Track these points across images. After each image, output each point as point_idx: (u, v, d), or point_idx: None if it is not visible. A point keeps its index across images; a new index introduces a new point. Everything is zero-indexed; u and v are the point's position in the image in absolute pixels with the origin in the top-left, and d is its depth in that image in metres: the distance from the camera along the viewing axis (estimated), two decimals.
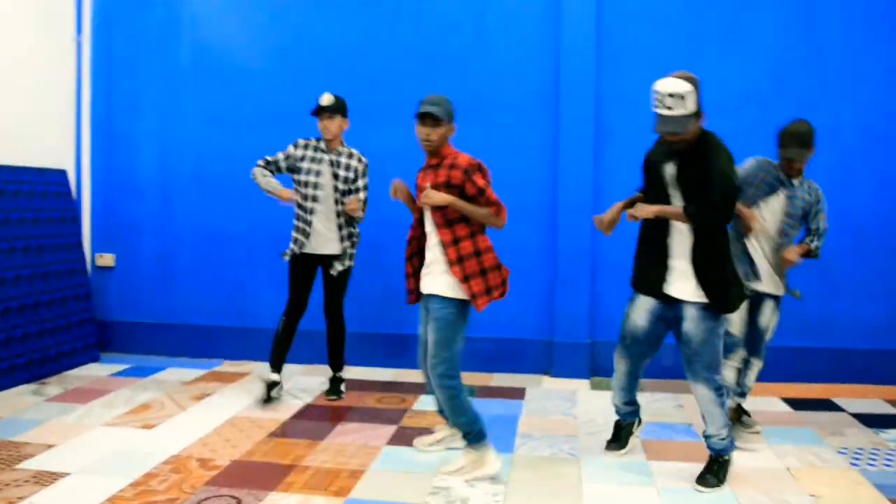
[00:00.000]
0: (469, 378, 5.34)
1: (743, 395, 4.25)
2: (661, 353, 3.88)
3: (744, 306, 3.97)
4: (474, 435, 3.52)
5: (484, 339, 5.49)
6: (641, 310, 3.57)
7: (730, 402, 4.13)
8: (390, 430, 4.24)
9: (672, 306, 3.46)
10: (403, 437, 4.08)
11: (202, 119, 5.87)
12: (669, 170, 3.42)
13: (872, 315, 5.29)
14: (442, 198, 3.40)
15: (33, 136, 5.57)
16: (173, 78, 5.90)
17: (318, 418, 4.44)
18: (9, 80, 5.30)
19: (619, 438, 3.91)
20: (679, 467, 3.71)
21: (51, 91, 5.75)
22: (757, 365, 4.21)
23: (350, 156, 4.68)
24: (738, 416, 4.24)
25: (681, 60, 5.35)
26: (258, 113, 5.78)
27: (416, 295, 3.70)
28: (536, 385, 5.25)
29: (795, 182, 4.04)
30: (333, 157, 4.64)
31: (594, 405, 4.75)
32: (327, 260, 4.69)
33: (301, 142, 4.69)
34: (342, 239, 4.65)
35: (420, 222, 3.64)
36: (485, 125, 5.45)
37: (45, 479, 3.42)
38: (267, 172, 4.67)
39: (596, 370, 5.43)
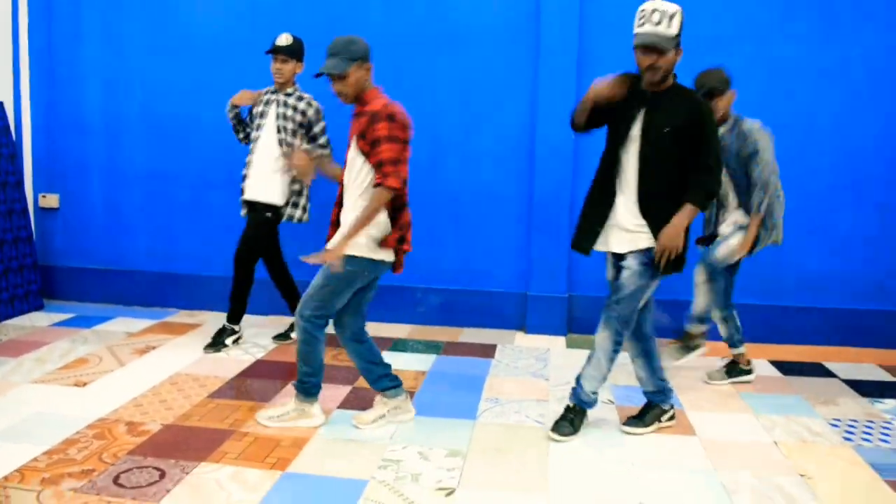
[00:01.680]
0: (437, 333, 5.04)
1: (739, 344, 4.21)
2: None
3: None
4: (309, 388, 3.36)
5: (453, 291, 5.14)
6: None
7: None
8: (344, 391, 3.88)
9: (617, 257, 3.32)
10: (356, 401, 3.73)
11: (150, 49, 5.36)
12: (637, 116, 3.13)
13: (871, 273, 4.93)
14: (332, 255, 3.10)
15: None
16: (120, 5, 5.36)
17: (266, 375, 4.08)
18: None
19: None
20: (655, 440, 3.39)
21: None
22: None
23: (299, 99, 4.30)
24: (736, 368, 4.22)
25: None
26: (210, 44, 5.27)
27: None
28: (509, 342, 4.90)
29: (723, 128, 3.79)
30: (281, 98, 4.30)
31: (568, 365, 4.38)
32: (258, 207, 4.36)
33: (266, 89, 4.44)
34: (286, 189, 4.35)
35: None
36: (458, 58, 5.01)
37: None
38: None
39: (573, 326, 5.08)
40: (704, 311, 4.09)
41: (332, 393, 3.84)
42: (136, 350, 4.44)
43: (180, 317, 5.26)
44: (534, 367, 4.39)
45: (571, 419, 3.37)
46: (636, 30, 3.05)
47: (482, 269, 5.16)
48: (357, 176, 3.16)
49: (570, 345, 4.87)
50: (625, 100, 3.11)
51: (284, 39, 4.27)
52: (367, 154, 3.09)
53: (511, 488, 2.87)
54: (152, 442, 3.17)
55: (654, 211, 3.15)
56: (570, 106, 4.85)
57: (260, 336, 4.79)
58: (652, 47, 3.00)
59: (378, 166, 3.06)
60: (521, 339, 4.99)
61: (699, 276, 4.05)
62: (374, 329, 4.84)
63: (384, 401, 3.48)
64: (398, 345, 4.75)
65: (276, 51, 4.26)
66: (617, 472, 3.05)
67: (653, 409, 3.50)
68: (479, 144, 5.10)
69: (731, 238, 3.90)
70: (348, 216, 3.17)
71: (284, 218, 4.38)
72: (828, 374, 4.44)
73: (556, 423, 3.38)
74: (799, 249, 4.80)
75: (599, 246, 3.30)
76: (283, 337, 4.73)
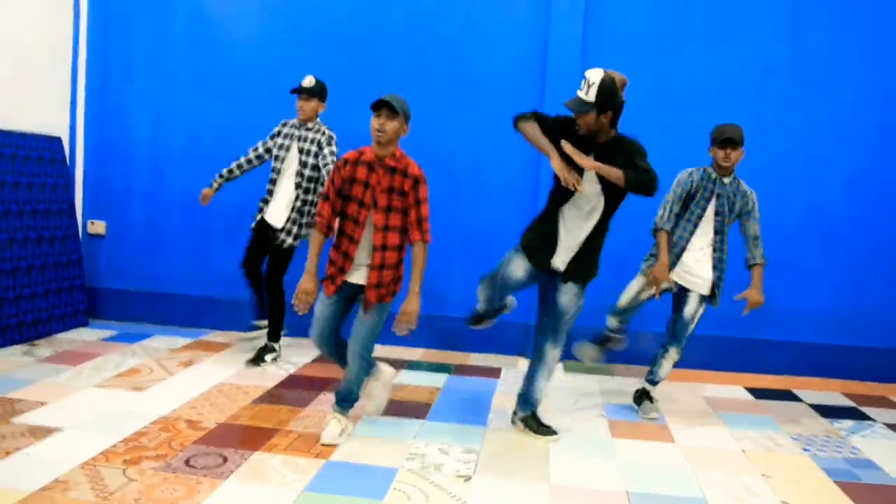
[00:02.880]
0: (447, 357, 5.58)
1: (654, 382, 4.52)
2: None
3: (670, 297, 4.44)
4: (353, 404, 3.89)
5: (461, 319, 5.68)
6: (521, 268, 3.87)
7: (643, 386, 4.57)
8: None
9: (552, 276, 3.84)
10: (385, 408, 4.27)
11: (196, 90, 6.00)
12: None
13: (837, 310, 5.53)
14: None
15: (30, 103, 5.68)
16: (168, 48, 6.02)
17: (302, 387, 4.62)
18: (7, 46, 5.40)
19: None
20: (640, 445, 3.94)
21: (47, 58, 5.85)
22: (673, 355, 4.43)
23: (317, 130, 4.94)
24: (641, 401, 4.52)
25: (665, 51, 5.59)
26: (248, 87, 5.92)
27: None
28: (512, 366, 5.46)
29: (727, 180, 4.33)
30: (302, 133, 4.96)
31: (566, 386, 4.96)
32: (273, 230, 5.00)
33: (284, 122, 5.09)
34: (290, 216, 4.94)
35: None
36: (471, 109, 5.66)
37: (40, 433, 3.58)
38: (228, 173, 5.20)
39: (569, 355, 5.64)
40: (627, 305, 4.53)
41: (361, 402, 4.35)
42: (181, 363, 4.98)
43: (214, 336, 5.80)
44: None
45: (541, 423, 4.00)
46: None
47: None
48: (387, 221, 3.63)
49: (567, 370, 5.42)
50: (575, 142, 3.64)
51: (307, 81, 4.93)
52: (398, 208, 3.62)
53: (518, 477, 3.42)
54: (212, 435, 3.71)
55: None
56: None
57: (292, 355, 5.33)
58: (574, 111, 3.57)
59: (419, 223, 3.64)
60: (524, 363, 5.53)
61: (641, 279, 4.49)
62: (388, 352, 5.43)
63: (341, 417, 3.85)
64: (412, 365, 5.30)
65: (300, 90, 4.93)
66: (607, 468, 3.60)
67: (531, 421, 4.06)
68: (489, 183, 5.71)
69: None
70: (364, 256, 3.66)
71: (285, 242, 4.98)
72: (796, 399, 5.01)
73: (541, 429, 3.97)
74: (772, 287, 5.39)
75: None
76: (253, 361, 5.09)
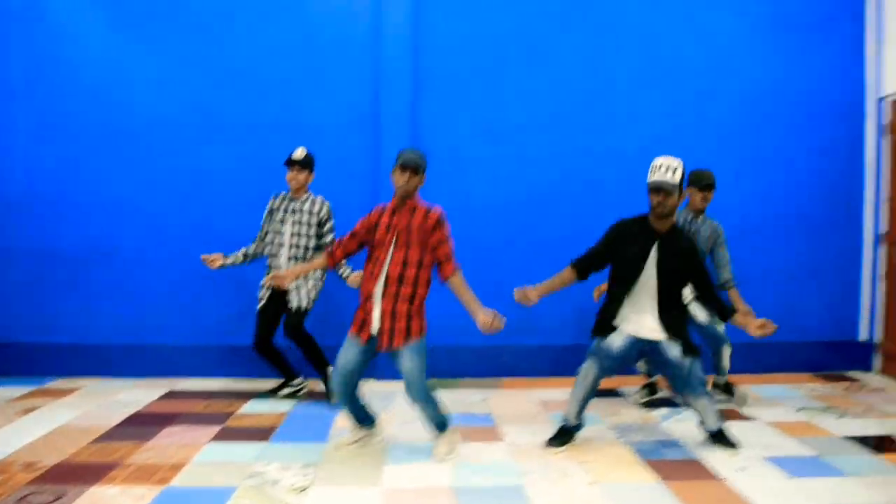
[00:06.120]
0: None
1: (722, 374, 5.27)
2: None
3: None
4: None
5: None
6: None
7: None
8: (215, 429, 4.53)
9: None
10: (227, 435, 4.40)
11: (34, 133, 5.90)
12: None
13: None
14: None
15: None
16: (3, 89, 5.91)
17: (145, 424, 4.66)
18: None
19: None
20: (471, 446, 4.25)
21: None
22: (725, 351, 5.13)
23: (313, 203, 5.13)
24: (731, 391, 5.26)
25: (489, 86, 6.05)
26: (88, 129, 5.89)
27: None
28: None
29: (699, 218, 5.03)
30: (297, 206, 5.11)
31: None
32: (284, 297, 5.14)
33: (274, 196, 5.24)
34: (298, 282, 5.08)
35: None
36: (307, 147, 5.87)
37: None
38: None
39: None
40: None
41: (204, 431, 4.47)
42: (21, 410, 4.90)
43: (57, 384, 5.70)
44: (382, 404, 5.15)
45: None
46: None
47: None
48: (409, 259, 3.90)
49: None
50: None
51: (300, 153, 5.10)
52: (424, 245, 3.90)
53: (353, 485, 3.64)
54: (48, 474, 3.72)
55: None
56: None
57: (133, 395, 5.33)
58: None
59: (447, 259, 3.92)
60: (374, 384, 5.73)
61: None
62: (239, 385, 5.50)
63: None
64: (263, 395, 5.40)
65: (293, 163, 5.07)
66: (438, 469, 3.87)
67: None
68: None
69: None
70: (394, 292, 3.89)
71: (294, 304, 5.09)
72: (620, 395, 5.47)
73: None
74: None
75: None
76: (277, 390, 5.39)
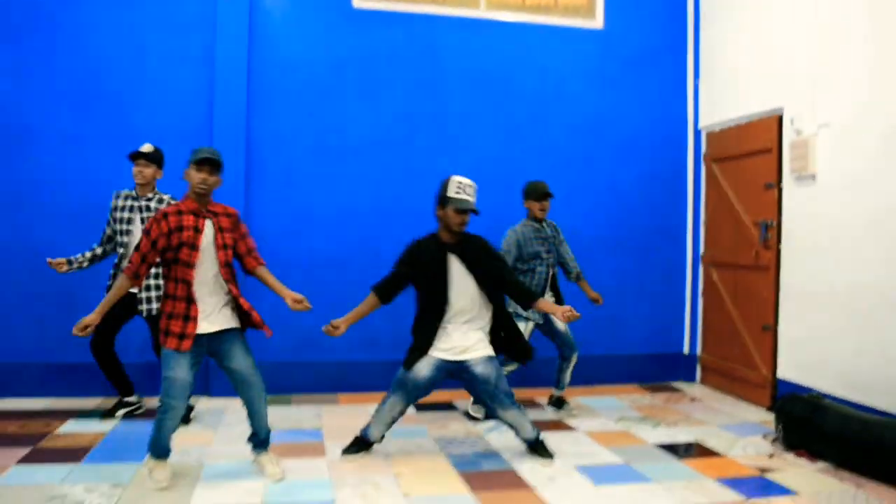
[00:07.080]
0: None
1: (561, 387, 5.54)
2: None
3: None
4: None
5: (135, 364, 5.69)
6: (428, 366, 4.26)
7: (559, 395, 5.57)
8: (25, 450, 4.33)
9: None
10: (37, 457, 4.22)
11: None
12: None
13: None
14: None
15: None
16: None
17: None
18: None
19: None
20: (293, 462, 4.26)
21: None
22: (575, 359, 5.43)
23: (160, 201, 4.91)
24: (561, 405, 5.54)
25: (325, 108, 6.12)
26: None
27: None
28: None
29: (545, 224, 5.38)
30: (143, 204, 4.89)
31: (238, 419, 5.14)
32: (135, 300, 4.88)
33: (116, 193, 4.98)
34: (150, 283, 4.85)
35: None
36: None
37: None
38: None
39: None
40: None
41: (13, 453, 4.25)
42: None
43: None
44: (210, 420, 5.07)
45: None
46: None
47: None
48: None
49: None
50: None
51: (147, 147, 4.87)
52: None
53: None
54: None
55: None
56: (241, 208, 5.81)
57: None
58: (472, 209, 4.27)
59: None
60: (206, 401, 5.63)
61: None
62: (63, 403, 5.25)
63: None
64: (83, 414, 5.20)
65: (139, 156, 4.82)
66: (252, 487, 3.85)
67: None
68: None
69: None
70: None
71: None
72: (453, 408, 5.60)
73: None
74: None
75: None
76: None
